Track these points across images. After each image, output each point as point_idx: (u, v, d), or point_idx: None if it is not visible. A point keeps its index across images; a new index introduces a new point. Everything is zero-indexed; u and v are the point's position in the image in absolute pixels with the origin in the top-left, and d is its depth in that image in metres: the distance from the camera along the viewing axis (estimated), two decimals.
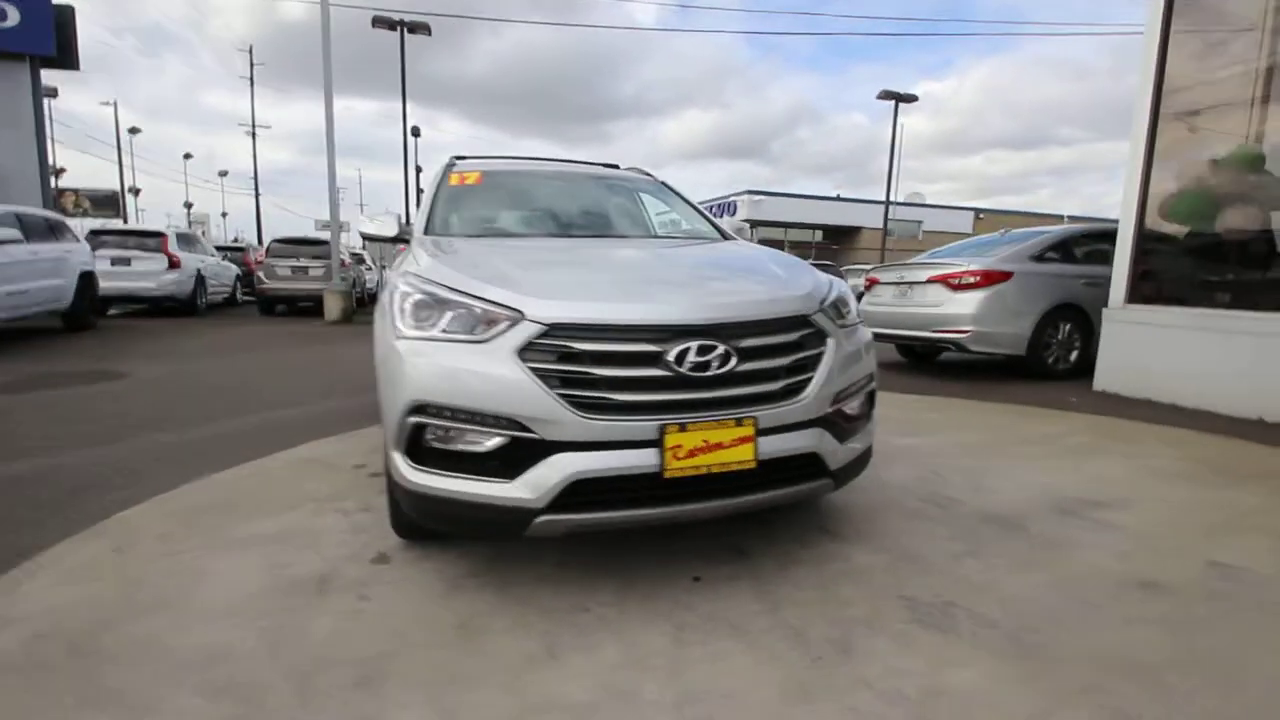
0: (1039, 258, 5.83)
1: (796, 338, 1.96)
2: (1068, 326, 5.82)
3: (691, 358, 1.78)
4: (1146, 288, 4.95)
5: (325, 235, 12.39)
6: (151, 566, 2.12)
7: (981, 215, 45.67)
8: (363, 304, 12.70)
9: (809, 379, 1.95)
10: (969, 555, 2.22)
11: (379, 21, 15.85)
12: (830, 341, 2.03)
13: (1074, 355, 5.88)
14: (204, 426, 3.93)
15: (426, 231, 2.68)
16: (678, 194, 3.47)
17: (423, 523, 1.99)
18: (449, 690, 1.52)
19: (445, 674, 1.58)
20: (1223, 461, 3.31)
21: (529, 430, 1.71)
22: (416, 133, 26.63)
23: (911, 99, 24.24)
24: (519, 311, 1.76)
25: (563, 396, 1.71)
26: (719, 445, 1.79)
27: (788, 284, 2.11)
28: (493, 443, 1.74)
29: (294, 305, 12.53)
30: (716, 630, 1.76)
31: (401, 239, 2.82)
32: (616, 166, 3.94)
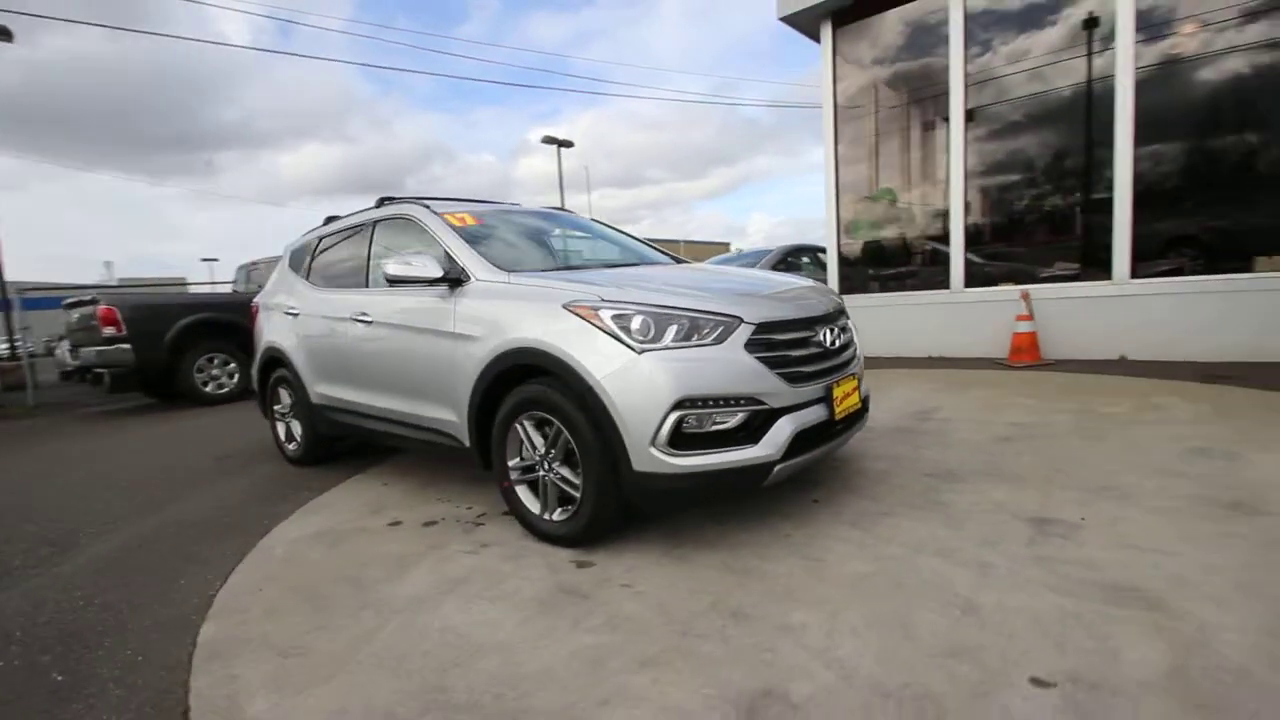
0: (775, 269, 7.91)
1: (846, 319, 2.91)
2: None
3: (829, 336, 2.57)
4: (849, 283, 7.27)
5: None
6: (387, 657, 1.95)
7: None
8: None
9: (855, 345, 2.91)
10: (919, 449, 3.46)
11: None
12: (849, 321, 3.03)
13: None
14: (99, 539, 2.96)
15: (502, 269, 2.81)
16: (615, 228, 4.08)
17: (665, 506, 2.37)
18: (794, 595, 2.02)
19: (773, 594, 2.06)
20: (952, 379, 5.38)
21: (763, 403, 2.28)
22: None
23: (568, 144, 27.37)
24: (738, 317, 2.31)
25: (778, 374, 2.33)
26: (849, 395, 2.62)
27: (826, 285, 3.03)
28: (737, 418, 2.25)
29: None
30: (878, 517, 2.58)
31: (450, 279, 2.82)
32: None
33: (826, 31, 6.82)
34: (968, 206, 6.26)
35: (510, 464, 2.66)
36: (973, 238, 6.32)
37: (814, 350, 2.51)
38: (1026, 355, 5.70)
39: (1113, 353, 5.57)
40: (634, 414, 2.20)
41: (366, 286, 3.52)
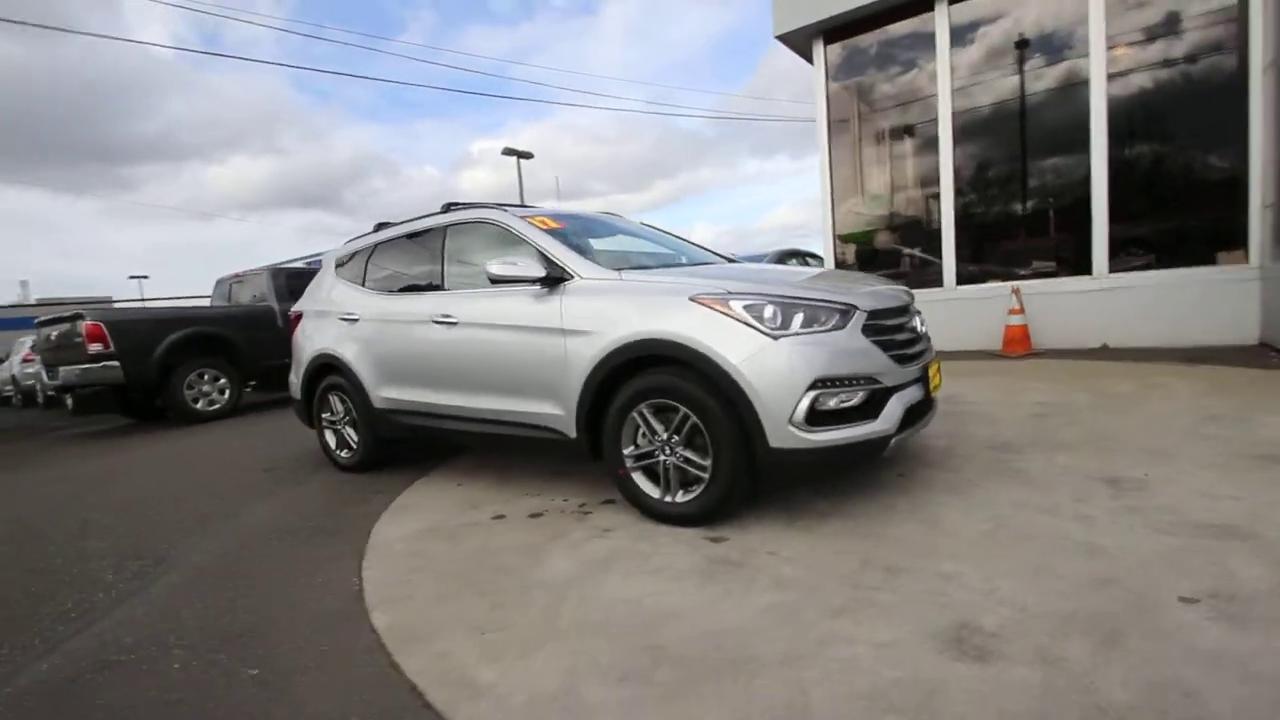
0: None
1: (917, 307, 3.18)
2: None
3: (917, 322, 2.83)
4: None
5: None
6: (586, 625, 2.05)
7: None
8: None
9: (928, 333, 3.19)
10: (966, 426, 3.77)
11: None
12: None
13: None
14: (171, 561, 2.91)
15: (606, 267, 2.95)
16: (664, 230, 4.26)
17: (795, 479, 2.57)
18: (933, 552, 2.24)
19: (913, 552, 2.27)
20: (957, 369, 5.77)
21: (879, 382, 2.50)
22: None
23: (528, 155, 27.33)
24: (854, 305, 2.53)
25: (889, 355, 2.56)
26: (935, 375, 2.88)
27: None
28: (860, 396, 2.46)
29: None
30: (967, 484, 2.84)
31: (554, 278, 2.94)
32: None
33: (819, 49, 7.23)
34: (958, 210, 6.74)
35: (625, 452, 2.79)
36: (963, 239, 6.80)
37: (909, 335, 2.76)
38: (1019, 346, 6.18)
39: (1095, 341, 6.11)
40: (773, 395, 2.38)
41: (443, 289, 3.58)
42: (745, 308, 2.48)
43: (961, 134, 6.68)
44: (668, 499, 2.71)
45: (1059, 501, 2.56)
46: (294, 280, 8.59)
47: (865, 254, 7.70)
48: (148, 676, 1.97)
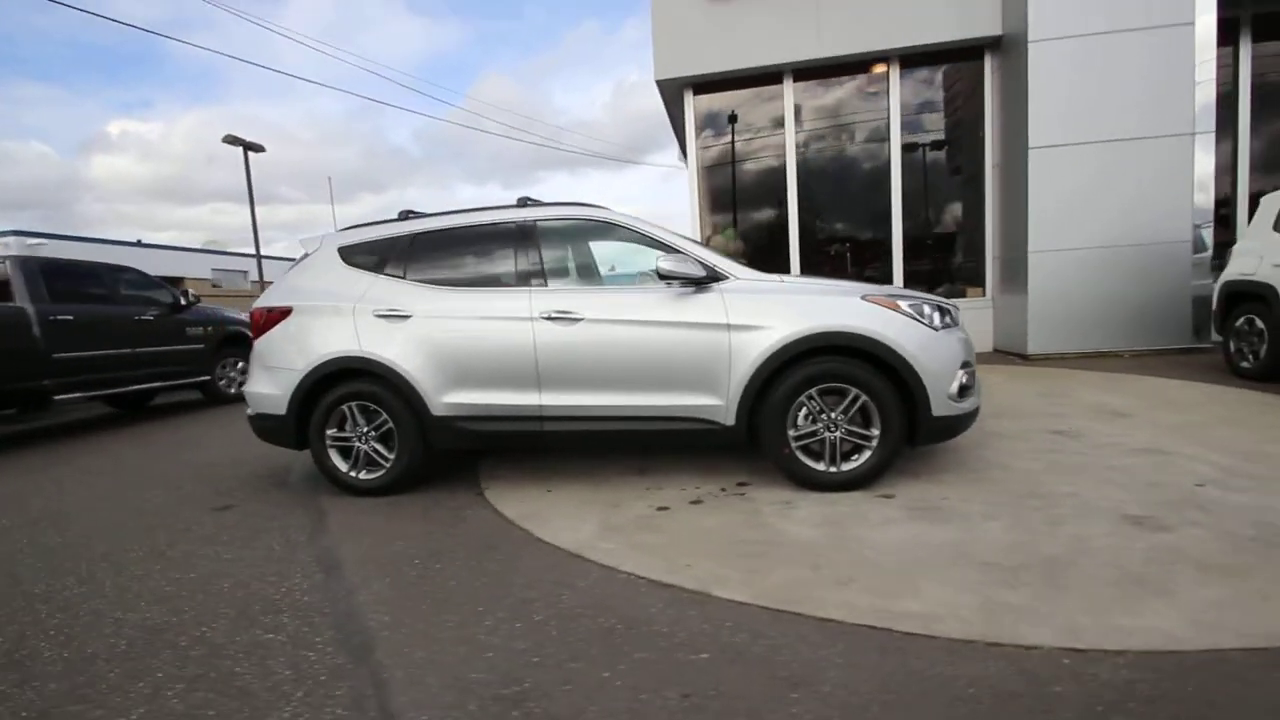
0: None
1: None
2: None
3: None
4: None
5: None
6: (891, 563, 2.40)
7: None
8: None
9: None
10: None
11: None
12: None
13: None
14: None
15: (756, 270, 3.29)
16: None
17: (940, 440, 3.21)
18: (1038, 480, 3.16)
19: (1028, 483, 3.16)
20: None
21: (972, 365, 3.37)
22: None
23: (259, 149, 23.24)
24: (956, 306, 3.36)
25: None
26: None
27: None
28: (970, 376, 3.29)
29: None
30: (987, 444, 3.88)
31: (713, 277, 3.14)
32: None
33: (689, 97, 8.24)
34: (802, 247, 8.32)
35: (790, 433, 3.17)
36: (804, 270, 8.41)
37: None
38: None
39: None
40: (939, 375, 3.07)
41: (545, 285, 3.42)
42: (910, 306, 3.13)
43: (803, 185, 8.32)
44: (832, 469, 3.17)
45: (1051, 446, 3.75)
46: (54, 274, 6.37)
47: None
48: (594, 691, 1.75)
